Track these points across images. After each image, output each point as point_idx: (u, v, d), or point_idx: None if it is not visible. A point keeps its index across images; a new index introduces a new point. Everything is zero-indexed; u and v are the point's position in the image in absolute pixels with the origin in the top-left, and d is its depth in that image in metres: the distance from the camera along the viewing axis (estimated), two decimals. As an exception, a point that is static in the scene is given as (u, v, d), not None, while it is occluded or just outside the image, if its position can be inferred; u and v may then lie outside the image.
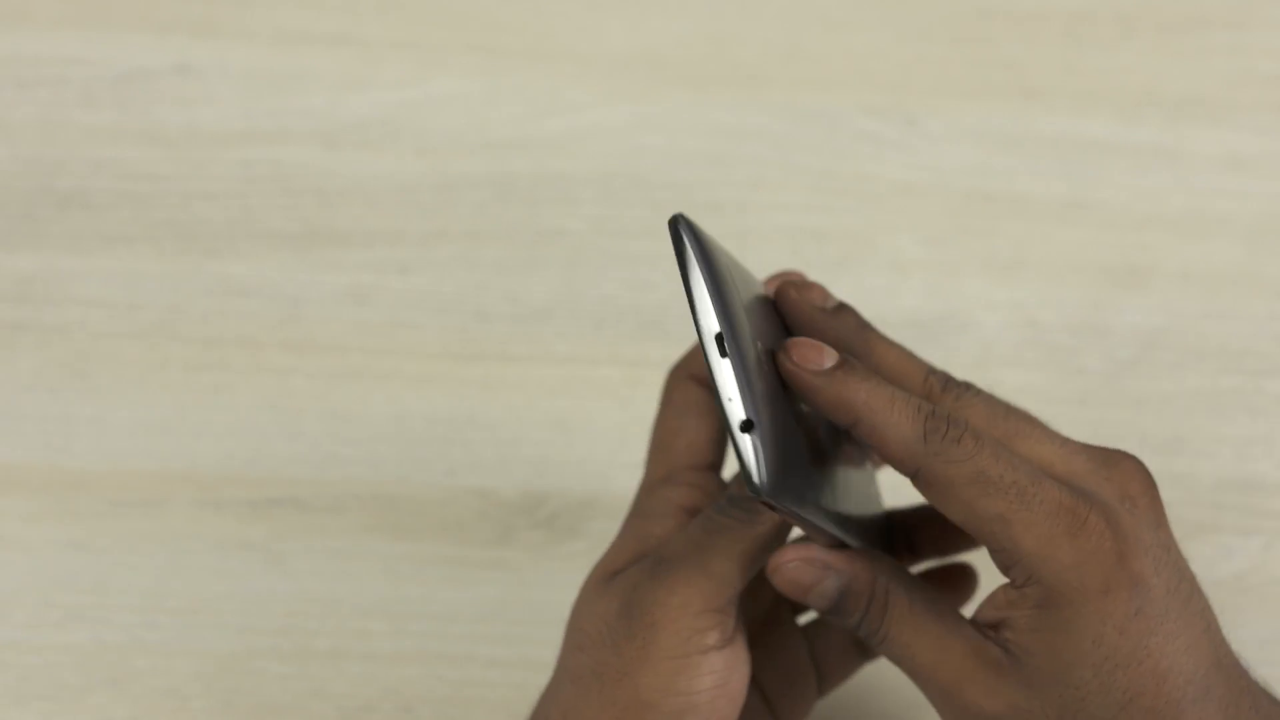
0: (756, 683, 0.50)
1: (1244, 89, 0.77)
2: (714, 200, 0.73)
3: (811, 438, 0.43)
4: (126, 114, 0.75)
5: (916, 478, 0.41)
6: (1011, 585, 0.41)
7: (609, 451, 0.66)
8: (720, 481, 0.48)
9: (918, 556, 0.52)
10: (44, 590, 0.62)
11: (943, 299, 0.70)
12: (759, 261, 0.74)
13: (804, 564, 0.43)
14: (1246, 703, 0.41)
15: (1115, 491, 0.41)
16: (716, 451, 0.48)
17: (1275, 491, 0.66)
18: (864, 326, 0.45)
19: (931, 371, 0.44)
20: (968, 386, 0.44)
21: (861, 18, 0.80)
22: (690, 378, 0.48)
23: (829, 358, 0.41)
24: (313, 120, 0.75)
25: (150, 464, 0.65)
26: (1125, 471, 0.42)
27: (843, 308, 0.46)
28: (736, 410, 0.38)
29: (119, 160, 0.74)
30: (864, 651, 0.52)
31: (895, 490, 0.49)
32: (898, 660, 0.43)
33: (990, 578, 0.43)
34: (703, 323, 0.39)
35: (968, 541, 0.50)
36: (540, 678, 0.48)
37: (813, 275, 0.71)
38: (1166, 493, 0.43)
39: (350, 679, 0.60)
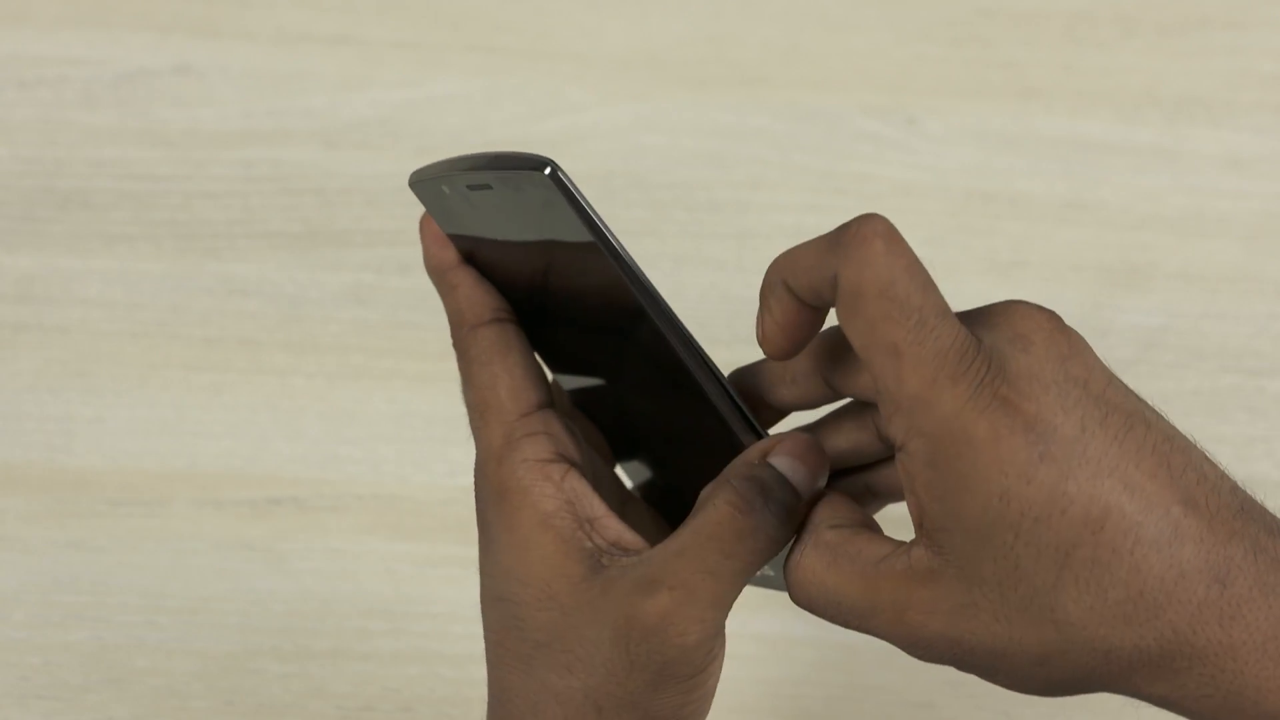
0: None
1: (1244, 89, 0.77)
2: (714, 200, 0.73)
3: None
4: (126, 114, 0.75)
5: (835, 286, 0.37)
6: (900, 451, 0.36)
7: (609, 451, 0.66)
8: (560, 420, 0.43)
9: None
10: (44, 590, 0.62)
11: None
12: (759, 261, 0.74)
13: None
14: (1242, 548, 0.37)
15: (1005, 335, 0.38)
16: (540, 388, 0.43)
17: (1275, 491, 0.66)
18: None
19: None
20: None
21: (861, 18, 0.80)
22: (477, 326, 0.44)
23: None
24: (313, 120, 0.75)
25: (150, 464, 0.65)
26: (1015, 314, 0.39)
27: None
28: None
29: (119, 160, 0.74)
30: None
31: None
32: (817, 608, 0.38)
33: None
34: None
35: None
36: (540, 678, 0.48)
37: (813, 275, 0.71)
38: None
39: (350, 679, 0.60)
